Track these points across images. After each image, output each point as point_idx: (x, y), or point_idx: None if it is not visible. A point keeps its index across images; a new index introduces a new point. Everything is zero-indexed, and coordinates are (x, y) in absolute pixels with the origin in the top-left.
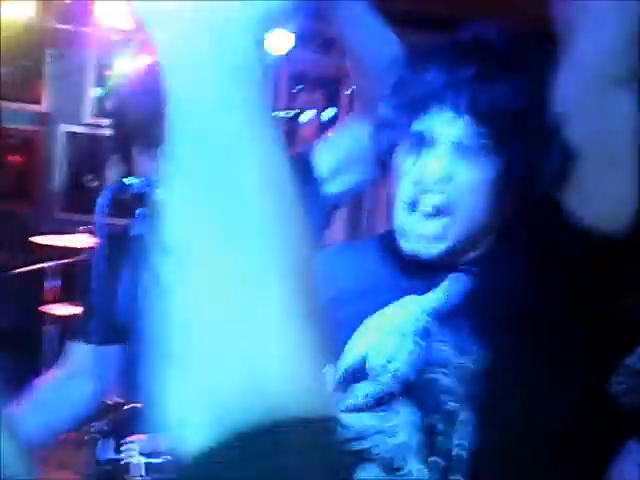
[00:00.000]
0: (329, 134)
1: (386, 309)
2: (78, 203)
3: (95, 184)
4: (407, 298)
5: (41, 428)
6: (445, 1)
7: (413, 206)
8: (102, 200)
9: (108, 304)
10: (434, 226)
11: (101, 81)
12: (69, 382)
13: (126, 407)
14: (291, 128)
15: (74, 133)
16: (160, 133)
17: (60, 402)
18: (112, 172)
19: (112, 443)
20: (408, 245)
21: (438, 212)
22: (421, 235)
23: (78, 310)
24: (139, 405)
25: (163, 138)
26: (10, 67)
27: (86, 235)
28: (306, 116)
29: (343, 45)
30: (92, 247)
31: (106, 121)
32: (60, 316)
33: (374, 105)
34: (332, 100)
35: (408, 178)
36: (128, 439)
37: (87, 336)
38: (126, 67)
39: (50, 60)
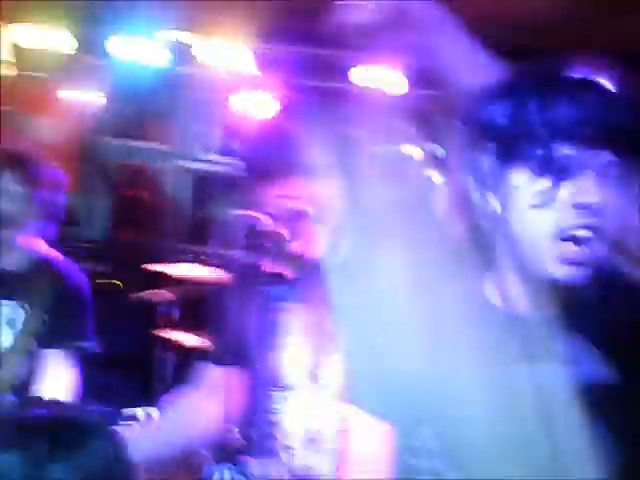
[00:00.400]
0: (441, 172)
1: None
2: (195, 234)
3: (211, 217)
4: (512, 362)
5: (162, 446)
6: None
7: (562, 233)
8: (235, 235)
9: (235, 330)
10: (583, 251)
11: (221, 122)
12: (197, 401)
13: (236, 432)
14: (394, 161)
15: (193, 169)
16: (282, 173)
17: (188, 420)
18: (238, 208)
19: (221, 466)
20: (552, 271)
21: (588, 239)
22: (568, 260)
23: (191, 336)
24: (250, 431)
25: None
26: (136, 108)
27: (203, 265)
28: (409, 150)
29: (449, 79)
30: (210, 277)
31: (224, 159)
32: (175, 341)
33: (483, 138)
34: (437, 135)
35: (555, 206)
36: (236, 463)
37: (216, 358)
38: (248, 111)
39: (173, 102)
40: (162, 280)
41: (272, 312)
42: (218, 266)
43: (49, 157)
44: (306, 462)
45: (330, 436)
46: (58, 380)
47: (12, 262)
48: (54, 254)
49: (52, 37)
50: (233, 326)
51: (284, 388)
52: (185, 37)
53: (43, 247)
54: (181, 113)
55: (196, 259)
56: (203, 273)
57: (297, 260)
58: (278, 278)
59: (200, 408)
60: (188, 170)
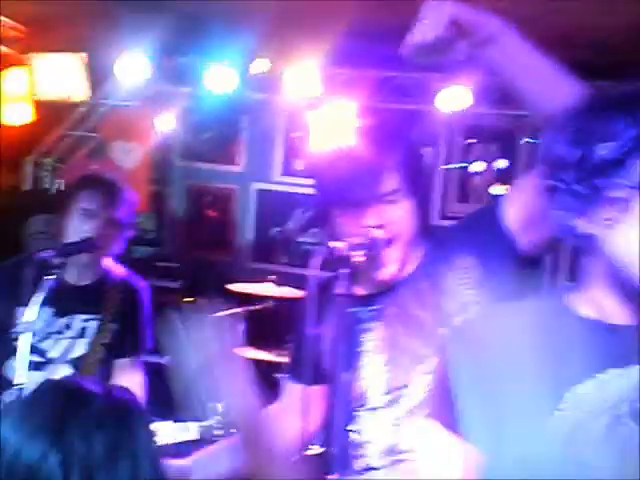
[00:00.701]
0: (515, 187)
1: (587, 382)
2: (266, 254)
3: (281, 237)
4: (611, 372)
5: (239, 462)
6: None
7: None
8: (315, 260)
9: (314, 348)
10: None
11: (290, 145)
12: (281, 417)
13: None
14: (464, 178)
15: (264, 190)
16: (360, 198)
17: (270, 435)
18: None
19: None
20: None
21: None
22: None
23: (261, 353)
24: (330, 448)
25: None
26: (210, 133)
27: (272, 284)
28: (477, 167)
29: (524, 97)
30: (286, 296)
31: (293, 179)
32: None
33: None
34: (506, 152)
35: None
36: None
37: (295, 376)
38: (326, 136)
39: (245, 125)
40: (238, 298)
41: (353, 332)
42: (294, 286)
43: (131, 180)
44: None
45: (410, 455)
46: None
47: (88, 278)
48: (124, 271)
49: (134, 66)
50: (313, 344)
51: (365, 407)
52: (262, 64)
53: (115, 264)
54: (257, 137)
55: (271, 279)
56: (278, 292)
57: (378, 284)
58: (360, 299)
59: (281, 424)
60: (259, 191)
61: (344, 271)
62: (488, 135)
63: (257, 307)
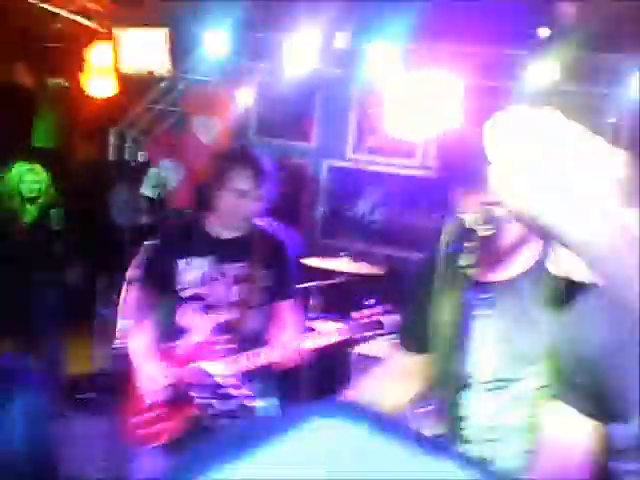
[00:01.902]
0: None
1: None
2: (336, 231)
3: (352, 214)
4: None
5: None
6: None
7: None
8: (445, 234)
9: (423, 318)
10: None
11: (364, 122)
12: (388, 384)
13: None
14: None
15: (336, 167)
16: (481, 178)
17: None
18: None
19: None
20: None
21: None
22: None
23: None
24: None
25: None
26: (285, 108)
27: (346, 260)
28: None
29: None
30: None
31: (366, 157)
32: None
33: None
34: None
35: None
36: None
37: (406, 344)
38: (394, 108)
39: (320, 102)
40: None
41: (466, 314)
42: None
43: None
44: (492, 458)
45: (518, 435)
46: (285, 328)
47: (238, 231)
48: (270, 223)
49: (215, 41)
50: (422, 316)
51: (469, 387)
52: (342, 37)
53: (260, 219)
54: (332, 114)
55: (346, 254)
56: (354, 267)
57: (497, 270)
58: (478, 284)
59: (388, 391)
60: (335, 169)
61: (469, 245)
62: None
63: (333, 282)
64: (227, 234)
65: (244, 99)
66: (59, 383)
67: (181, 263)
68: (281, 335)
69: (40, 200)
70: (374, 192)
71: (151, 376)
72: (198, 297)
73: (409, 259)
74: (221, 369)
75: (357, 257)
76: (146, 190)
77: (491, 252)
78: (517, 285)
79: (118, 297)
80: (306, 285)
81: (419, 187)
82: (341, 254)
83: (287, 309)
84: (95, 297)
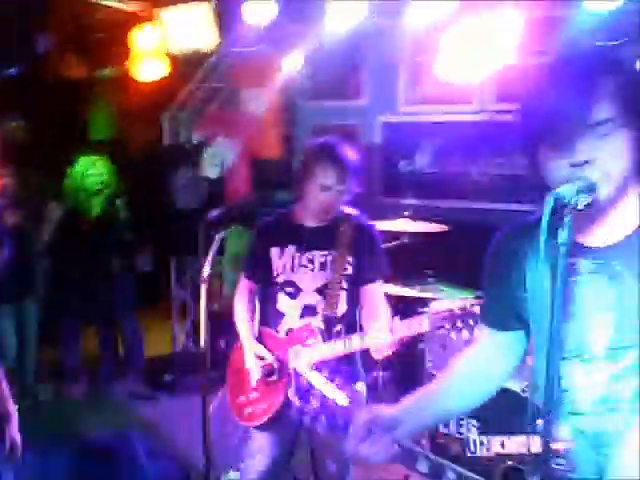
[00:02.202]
0: None
1: None
2: (396, 188)
3: (409, 169)
4: None
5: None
6: None
7: None
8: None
9: (510, 294)
10: None
11: (414, 72)
12: (474, 362)
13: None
14: None
15: (390, 123)
16: (570, 135)
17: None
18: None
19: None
20: None
21: None
22: None
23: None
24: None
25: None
26: (333, 69)
27: (407, 220)
28: None
29: None
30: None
31: (418, 108)
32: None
33: None
34: None
35: None
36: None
37: (487, 321)
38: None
39: (367, 56)
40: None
41: (570, 282)
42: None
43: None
44: (596, 429)
45: (632, 405)
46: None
47: (325, 219)
48: (355, 211)
49: (259, 7)
50: (509, 290)
51: (579, 357)
52: None
53: (346, 207)
54: (380, 67)
55: (406, 214)
56: (414, 227)
57: (599, 234)
58: (581, 249)
59: (474, 367)
60: (389, 124)
61: (567, 216)
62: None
63: (394, 244)
64: (313, 223)
65: (291, 65)
66: (141, 366)
67: (274, 251)
68: (374, 321)
69: (105, 192)
70: (431, 144)
71: (255, 356)
72: (289, 283)
73: (471, 210)
74: (317, 353)
75: (419, 215)
76: (208, 171)
77: (594, 218)
78: (626, 248)
79: (192, 278)
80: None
81: (479, 134)
82: (404, 213)
83: (377, 294)
84: (168, 280)
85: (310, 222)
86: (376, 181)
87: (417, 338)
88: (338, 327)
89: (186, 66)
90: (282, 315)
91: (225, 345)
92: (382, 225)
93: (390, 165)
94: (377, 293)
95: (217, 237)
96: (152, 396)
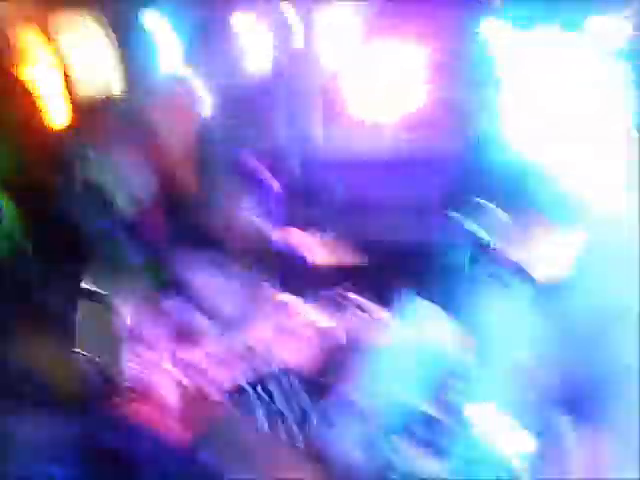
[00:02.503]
0: None
1: None
2: (314, 220)
3: (328, 202)
4: None
5: None
6: None
7: None
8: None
9: None
10: None
11: (328, 108)
12: None
13: None
14: None
15: (308, 159)
16: None
17: None
18: None
19: None
20: None
21: None
22: None
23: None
24: None
25: None
26: (246, 110)
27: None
28: None
29: None
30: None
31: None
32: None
33: None
34: None
35: None
36: None
37: None
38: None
39: (280, 97)
40: None
41: None
42: None
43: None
44: None
45: None
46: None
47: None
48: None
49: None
50: None
51: None
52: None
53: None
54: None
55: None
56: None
57: None
58: None
59: None
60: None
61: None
62: None
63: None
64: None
65: (204, 107)
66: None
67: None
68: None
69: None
70: (349, 178)
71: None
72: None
73: (389, 243)
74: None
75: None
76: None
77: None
78: None
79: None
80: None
81: (394, 169)
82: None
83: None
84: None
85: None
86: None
87: None
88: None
89: (93, 107)
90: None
91: None
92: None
93: (309, 198)
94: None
95: None
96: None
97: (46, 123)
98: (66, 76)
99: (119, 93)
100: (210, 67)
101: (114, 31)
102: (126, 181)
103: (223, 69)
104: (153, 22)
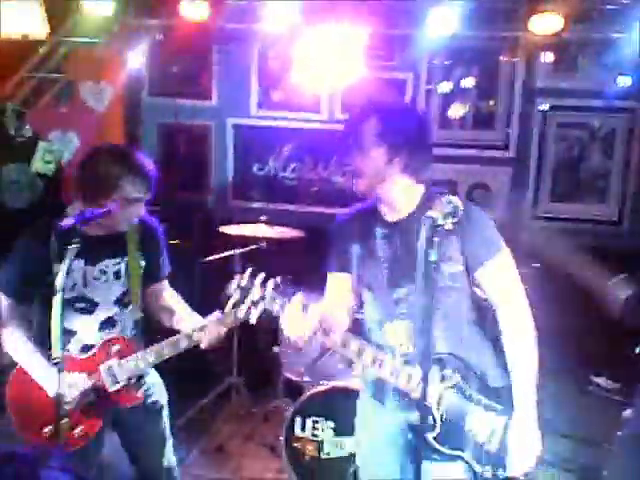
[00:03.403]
0: None
1: None
2: (247, 191)
3: (263, 173)
4: None
5: None
6: None
7: None
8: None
9: None
10: None
11: (267, 77)
12: None
13: (321, 388)
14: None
15: (242, 124)
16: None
17: None
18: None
19: (301, 421)
20: None
21: None
22: None
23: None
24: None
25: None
26: (180, 66)
27: (264, 224)
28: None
29: None
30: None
31: (271, 113)
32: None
33: None
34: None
35: None
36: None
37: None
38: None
39: (217, 57)
40: (224, 240)
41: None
42: (283, 224)
43: (103, 123)
44: None
45: None
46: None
47: (123, 227)
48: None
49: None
50: None
51: None
52: None
53: None
54: (231, 70)
55: (263, 219)
56: (272, 232)
57: None
58: None
59: None
60: (240, 127)
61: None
62: (469, 56)
63: (252, 248)
64: (102, 232)
65: (136, 60)
66: None
67: (59, 267)
68: (175, 317)
69: None
70: (283, 149)
71: (67, 384)
72: (81, 299)
73: (324, 215)
74: (138, 363)
75: (275, 220)
76: (37, 166)
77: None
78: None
79: None
80: (226, 254)
81: (327, 141)
82: (261, 218)
83: (169, 290)
84: None
85: (99, 231)
86: (228, 184)
87: (272, 342)
88: (134, 331)
89: (15, 53)
90: (72, 333)
91: None
92: (239, 229)
93: (241, 168)
94: (169, 289)
95: (72, 247)
96: None
97: None
98: None
99: None
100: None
101: None
102: None
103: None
104: None
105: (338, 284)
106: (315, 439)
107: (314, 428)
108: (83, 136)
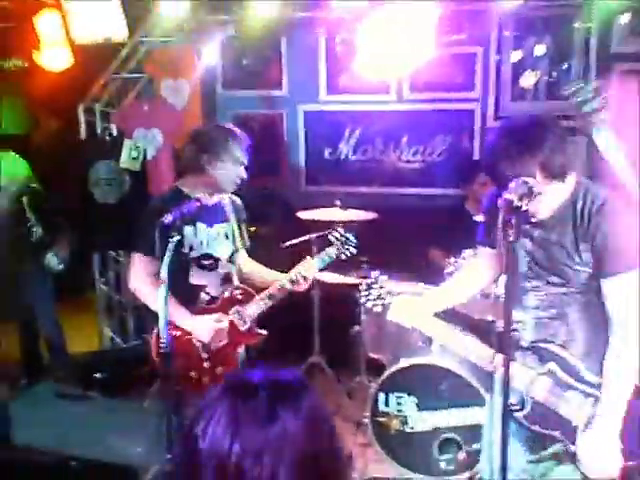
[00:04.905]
0: None
1: None
2: (320, 176)
3: (334, 158)
4: None
5: None
6: None
7: None
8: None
9: None
10: None
11: (334, 62)
12: None
13: (403, 364)
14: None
15: (312, 111)
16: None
17: None
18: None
19: (385, 397)
20: None
21: None
22: None
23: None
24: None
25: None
26: (251, 58)
27: (338, 209)
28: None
29: None
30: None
31: (340, 97)
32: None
33: None
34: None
35: None
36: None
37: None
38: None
39: (285, 47)
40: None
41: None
42: (357, 207)
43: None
44: None
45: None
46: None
47: (229, 188)
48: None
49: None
50: None
51: None
52: None
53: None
54: (299, 58)
55: (337, 203)
56: (345, 216)
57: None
58: None
59: None
60: (310, 113)
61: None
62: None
63: (329, 231)
64: (212, 200)
65: (210, 56)
66: (65, 364)
67: (187, 229)
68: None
69: (11, 189)
70: (354, 132)
71: (214, 320)
72: (205, 256)
73: (394, 196)
74: (258, 307)
75: (348, 203)
76: (125, 163)
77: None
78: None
79: (116, 274)
80: (302, 239)
81: (397, 123)
82: (335, 202)
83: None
84: (88, 276)
85: (210, 199)
86: (301, 170)
87: (352, 321)
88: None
89: (99, 56)
90: (199, 287)
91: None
92: (314, 214)
93: (314, 154)
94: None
95: (173, 239)
96: (83, 395)
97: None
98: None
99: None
100: (215, 17)
101: None
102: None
103: (229, 19)
104: None
105: (484, 259)
106: (400, 414)
107: (398, 404)
108: (165, 132)
